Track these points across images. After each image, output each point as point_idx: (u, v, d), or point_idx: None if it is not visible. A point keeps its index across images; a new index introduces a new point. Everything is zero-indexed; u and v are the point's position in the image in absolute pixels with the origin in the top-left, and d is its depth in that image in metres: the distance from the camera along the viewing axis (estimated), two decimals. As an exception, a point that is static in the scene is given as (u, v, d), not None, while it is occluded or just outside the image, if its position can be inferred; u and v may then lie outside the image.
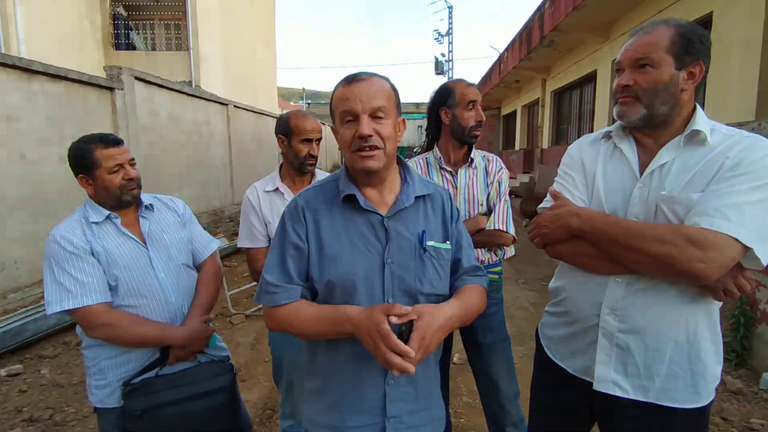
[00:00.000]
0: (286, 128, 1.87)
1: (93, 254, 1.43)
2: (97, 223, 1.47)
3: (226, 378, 1.55)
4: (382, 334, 0.91)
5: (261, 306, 1.14)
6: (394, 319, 0.94)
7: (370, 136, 1.00)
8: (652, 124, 1.13)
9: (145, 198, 1.61)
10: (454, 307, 1.04)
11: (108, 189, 1.47)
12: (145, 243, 1.53)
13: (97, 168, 1.45)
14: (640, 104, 1.10)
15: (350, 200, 1.07)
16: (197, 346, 1.52)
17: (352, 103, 1.01)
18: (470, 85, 1.90)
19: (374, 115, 1.02)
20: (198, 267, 1.71)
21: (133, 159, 1.54)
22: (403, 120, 1.12)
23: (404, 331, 0.95)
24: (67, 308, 1.37)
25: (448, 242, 1.13)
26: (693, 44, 1.07)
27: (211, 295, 1.65)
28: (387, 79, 1.08)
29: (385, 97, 1.03)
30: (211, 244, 1.76)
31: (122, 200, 1.49)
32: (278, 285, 1.06)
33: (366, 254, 1.05)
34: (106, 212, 1.49)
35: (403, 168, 1.16)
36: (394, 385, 1.07)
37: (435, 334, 0.96)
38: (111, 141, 1.48)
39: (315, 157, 1.89)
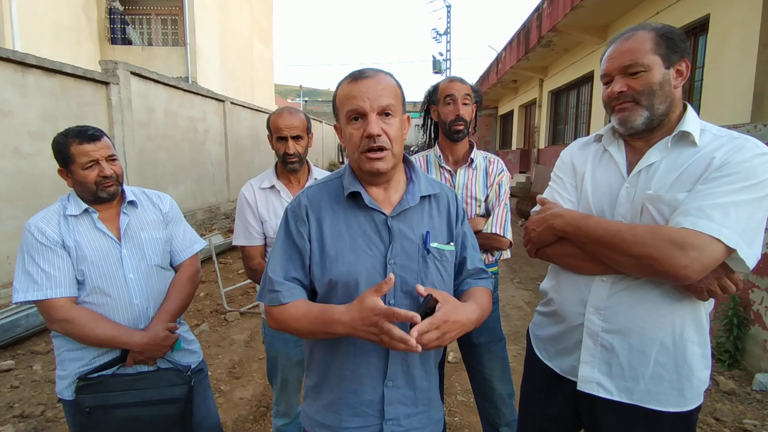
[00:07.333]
0: (268, 126, 1.89)
1: (64, 247, 1.40)
2: (74, 216, 1.44)
3: (181, 390, 1.48)
4: (386, 332, 0.87)
5: (256, 303, 1.13)
6: (421, 289, 0.94)
7: (379, 135, 0.98)
8: (651, 127, 1.11)
9: (131, 193, 1.57)
10: (475, 311, 1.02)
11: (83, 185, 1.43)
12: (120, 240, 1.49)
13: (72, 163, 1.42)
14: (640, 107, 1.08)
15: (354, 198, 1.06)
16: (156, 353, 1.47)
17: (360, 101, 0.98)
18: (453, 80, 1.88)
19: (382, 114, 0.99)
20: (176, 269, 1.65)
21: (112, 155, 1.48)
22: (408, 117, 1.09)
23: (426, 311, 0.92)
24: (31, 299, 1.36)
25: (452, 243, 1.11)
26: (675, 42, 1.07)
27: (181, 300, 1.58)
28: (392, 76, 1.05)
29: (392, 95, 1.01)
30: (192, 246, 1.67)
31: (98, 197, 1.45)
32: (283, 284, 1.04)
33: (369, 254, 1.03)
34: (85, 206, 1.46)
35: (409, 167, 1.14)
36: (393, 387, 1.05)
37: (455, 325, 0.93)
38: (87, 136, 1.43)
39: (295, 155, 1.83)
